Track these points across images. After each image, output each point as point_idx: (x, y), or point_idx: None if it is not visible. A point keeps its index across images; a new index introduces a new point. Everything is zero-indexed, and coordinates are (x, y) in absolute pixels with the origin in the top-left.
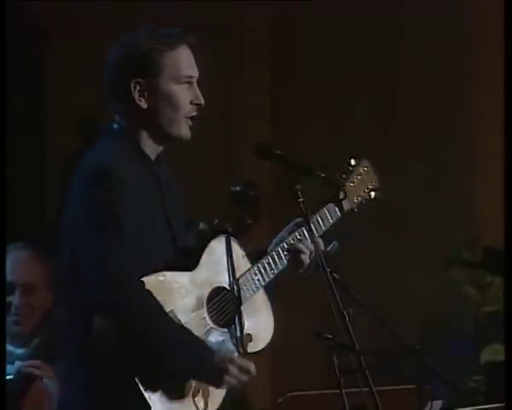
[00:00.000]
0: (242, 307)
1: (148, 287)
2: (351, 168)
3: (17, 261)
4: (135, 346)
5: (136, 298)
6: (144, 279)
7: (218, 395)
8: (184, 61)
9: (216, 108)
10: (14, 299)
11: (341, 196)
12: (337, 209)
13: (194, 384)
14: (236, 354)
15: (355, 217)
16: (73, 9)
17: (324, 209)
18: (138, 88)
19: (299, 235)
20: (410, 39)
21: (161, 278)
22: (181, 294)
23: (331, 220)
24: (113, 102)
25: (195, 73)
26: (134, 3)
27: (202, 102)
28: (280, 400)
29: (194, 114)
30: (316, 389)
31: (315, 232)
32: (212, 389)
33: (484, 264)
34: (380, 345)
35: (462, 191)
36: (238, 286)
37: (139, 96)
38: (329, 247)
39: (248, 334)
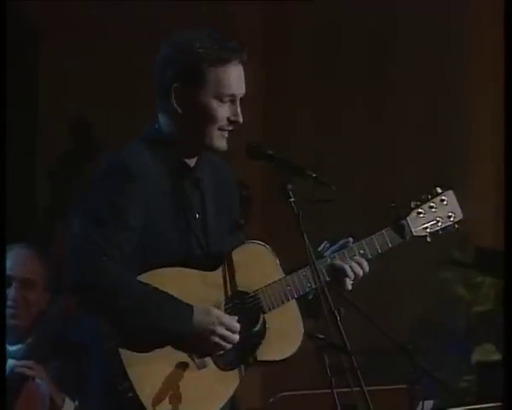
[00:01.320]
0: (265, 316)
1: (164, 280)
2: (429, 196)
3: (17, 257)
4: (113, 322)
5: (110, 278)
6: (155, 271)
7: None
8: (232, 79)
9: None
10: (10, 292)
11: (402, 221)
12: (397, 234)
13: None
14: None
15: (350, 214)
16: (66, 9)
17: (383, 232)
18: (176, 93)
19: (346, 255)
20: (404, 38)
21: (175, 273)
22: (194, 292)
23: (390, 244)
24: (157, 97)
25: (241, 90)
26: (128, 3)
27: (240, 120)
28: (271, 400)
29: (230, 129)
30: (307, 388)
31: (368, 254)
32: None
33: (475, 264)
34: (371, 345)
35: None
36: (258, 293)
37: (176, 100)
38: (320, 247)
39: (259, 343)
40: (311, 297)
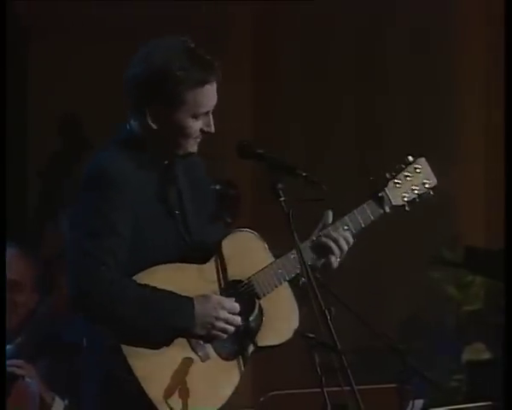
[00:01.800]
0: (260, 301)
1: (154, 279)
2: (403, 166)
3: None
4: (116, 328)
5: (110, 289)
6: (149, 271)
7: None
8: (208, 98)
9: None
10: None
11: (380, 193)
12: (378, 206)
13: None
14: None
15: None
16: (55, 9)
17: (364, 205)
18: (153, 113)
19: (332, 232)
20: (393, 37)
21: (168, 270)
22: (190, 286)
23: (372, 217)
24: (129, 108)
25: (214, 104)
26: (118, 2)
27: (213, 130)
28: (261, 399)
29: (200, 138)
30: (297, 388)
31: (352, 229)
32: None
33: (465, 263)
34: (361, 344)
35: (444, 192)
36: (252, 280)
37: (152, 119)
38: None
39: (257, 330)
40: (301, 283)
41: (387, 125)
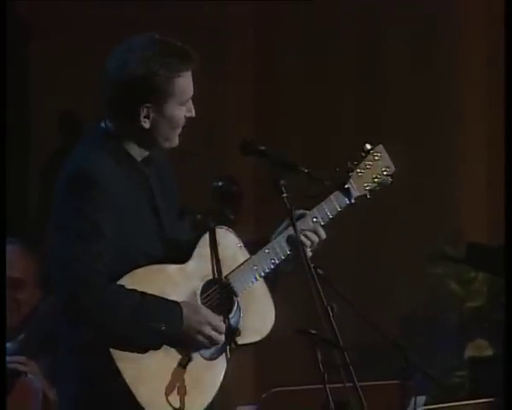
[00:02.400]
0: (238, 299)
1: (136, 281)
2: (363, 155)
3: (7, 256)
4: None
5: (101, 299)
6: (132, 274)
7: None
8: (189, 85)
9: (199, 105)
10: None
11: (347, 184)
12: (345, 197)
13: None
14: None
15: (342, 212)
16: (56, 8)
17: (331, 197)
18: (145, 112)
19: (302, 226)
20: (394, 36)
21: (149, 272)
22: (171, 287)
23: (338, 208)
24: (108, 110)
25: (192, 90)
26: (120, 2)
27: (194, 114)
28: (264, 395)
29: (184, 124)
30: (300, 384)
31: (320, 221)
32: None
33: (467, 260)
34: (364, 341)
35: (446, 188)
36: (229, 278)
37: (144, 117)
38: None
39: (237, 328)
40: (290, 270)
41: (388, 124)
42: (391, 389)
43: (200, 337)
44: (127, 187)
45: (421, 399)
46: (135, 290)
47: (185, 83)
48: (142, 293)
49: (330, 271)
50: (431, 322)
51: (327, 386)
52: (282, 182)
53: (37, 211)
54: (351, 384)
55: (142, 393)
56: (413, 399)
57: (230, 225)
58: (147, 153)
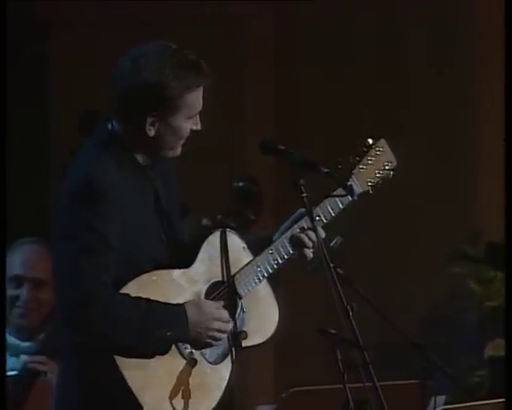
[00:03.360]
0: (243, 301)
1: (142, 287)
2: (365, 149)
3: (27, 256)
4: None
5: (106, 314)
6: (137, 280)
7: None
8: (198, 100)
9: (219, 104)
10: (22, 293)
11: (349, 181)
12: (347, 194)
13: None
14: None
15: (362, 212)
16: (75, 7)
17: (334, 194)
18: (151, 121)
19: (305, 225)
20: (413, 38)
21: (154, 277)
22: (176, 291)
23: (341, 206)
24: (117, 110)
25: (201, 105)
26: (134, 2)
27: (200, 127)
28: (283, 395)
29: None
30: (319, 384)
31: (323, 219)
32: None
33: (487, 259)
34: (383, 340)
35: (465, 187)
36: (233, 280)
37: (150, 125)
38: (333, 242)
39: (243, 331)
40: (311, 269)
41: (407, 123)
42: (411, 389)
43: (210, 332)
44: (132, 192)
45: (441, 399)
46: (140, 298)
47: (195, 98)
48: (148, 300)
49: (349, 270)
50: (450, 322)
51: (346, 386)
52: (302, 181)
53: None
54: (370, 384)
55: (147, 399)
56: (433, 399)
57: (251, 225)
58: (151, 158)
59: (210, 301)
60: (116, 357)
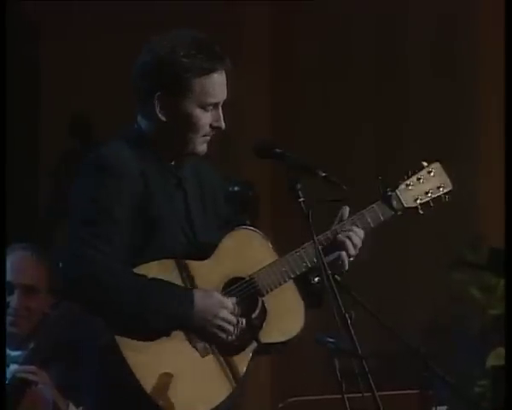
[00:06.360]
0: (264, 298)
1: (155, 275)
2: (416, 171)
3: (18, 262)
4: (114, 317)
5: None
6: (150, 266)
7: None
8: (215, 88)
9: None
10: (13, 300)
11: (389, 193)
12: (388, 207)
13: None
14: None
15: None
16: (65, 7)
17: (373, 206)
18: (160, 102)
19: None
20: (412, 37)
21: (170, 265)
22: (195, 283)
23: (382, 217)
24: (137, 101)
25: (223, 96)
26: (129, 2)
27: (222, 126)
28: (281, 405)
29: (212, 134)
30: (317, 393)
31: (361, 228)
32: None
33: (489, 265)
34: (383, 349)
35: (467, 192)
36: (253, 278)
37: (160, 109)
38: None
39: (261, 327)
40: (315, 281)
41: (408, 125)
42: (410, 399)
43: (217, 321)
44: (153, 186)
45: (442, 409)
46: (142, 275)
47: (208, 84)
48: (151, 278)
49: (349, 278)
50: (452, 330)
51: (345, 396)
52: (299, 186)
53: (48, 213)
54: (369, 394)
55: (152, 385)
56: (433, 409)
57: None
58: (176, 156)
59: (220, 294)
60: (121, 342)
